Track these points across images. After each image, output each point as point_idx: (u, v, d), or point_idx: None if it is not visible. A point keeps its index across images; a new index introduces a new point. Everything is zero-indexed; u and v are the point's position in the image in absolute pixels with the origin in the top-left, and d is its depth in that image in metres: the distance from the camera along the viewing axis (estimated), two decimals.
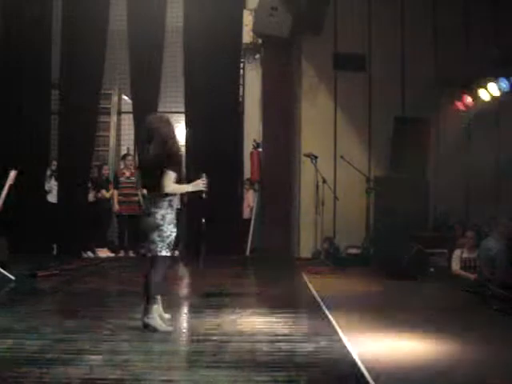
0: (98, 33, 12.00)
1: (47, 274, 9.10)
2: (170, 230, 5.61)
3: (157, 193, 5.57)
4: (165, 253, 5.60)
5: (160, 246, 5.58)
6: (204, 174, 5.82)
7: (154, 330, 5.49)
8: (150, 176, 5.67)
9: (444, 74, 11.19)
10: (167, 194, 5.57)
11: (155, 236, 5.58)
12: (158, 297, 5.66)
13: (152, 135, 5.67)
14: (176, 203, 5.91)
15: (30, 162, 11.23)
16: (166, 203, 5.59)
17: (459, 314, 6.75)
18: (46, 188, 12.05)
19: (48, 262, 10.00)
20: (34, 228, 11.31)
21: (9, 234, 9.42)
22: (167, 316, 5.85)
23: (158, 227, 5.56)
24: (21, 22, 11.69)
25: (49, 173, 12.06)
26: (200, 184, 5.77)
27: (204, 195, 5.91)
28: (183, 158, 6.08)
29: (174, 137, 5.75)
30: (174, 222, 5.68)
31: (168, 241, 5.60)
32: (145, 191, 6.00)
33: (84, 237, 11.57)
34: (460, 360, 4.88)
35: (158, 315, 5.60)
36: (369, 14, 11.69)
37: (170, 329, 5.62)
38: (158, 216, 5.57)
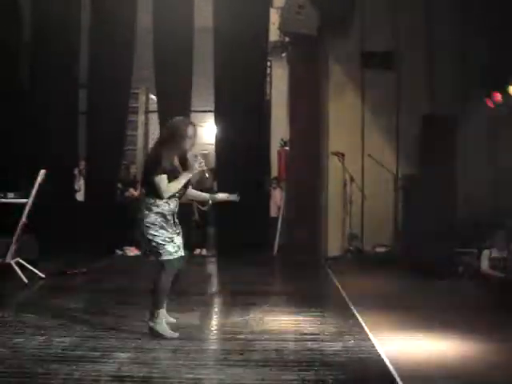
0: (126, 31, 12.04)
1: (76, 271, 9.20)
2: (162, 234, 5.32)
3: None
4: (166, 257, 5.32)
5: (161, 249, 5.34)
6: (198, 156, 5.57)
7: (159, 335, 5.30)
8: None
9: (473, 72, 11.06)
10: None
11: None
12: (164, 300, 5.44)
13: None
14: (167, 208, 5.34)
15: (59, 162, 11.32)
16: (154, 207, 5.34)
17: (488, 313, 6.66)
18: (76, 187, 12.20)
19: (77, 260, 10.09)
20: (63, 226, 11.40)
21: (38, 233, 9.52)
22: (172, 320, 5.65)
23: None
24: (49, 21, 11.78)
25: (76, 172, 12.20)
26: (196, 166, 5.39)
27: (207, 175, 6.01)
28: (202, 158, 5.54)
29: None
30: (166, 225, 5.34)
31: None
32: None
33: (113, 235, 11.63)
34: (489, 361, 4.81)
35: (164, 320, 5.42)
36: (396, 11, 11.58)
37: (175, 335, 5.34)
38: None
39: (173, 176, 5.30)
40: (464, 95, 11.28)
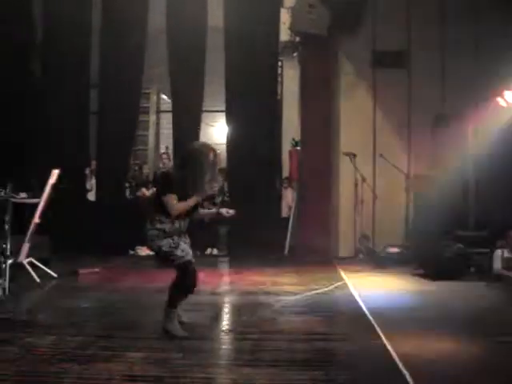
0: (137, 31, 12.09)
1: (88, 271, 9.24)
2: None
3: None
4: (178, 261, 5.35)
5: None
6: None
7: (171, 334, 5.30)
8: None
9: (485, 71, 11.01)
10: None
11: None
12: (179, 301, 5.47)
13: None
14: (170, 228, 5.39)
15: (71, 162, 11.35)
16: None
17: (501, 314, 6.64)
18: (88, 187, 12.25)
19: (89, 259, 10.13)
20: (76, 226, 11.44)
21: (50, 232, 9.56)
22: (184, 320, 5.65)
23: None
24: (60, 21, 11.82)
25: (88, 172, 12.25)
26: (207, 190, 5.39)
27: (215, 200, 5.80)
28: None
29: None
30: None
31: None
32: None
33: (125, 235, 11.64)
34: (502, 362, 4.79)
35: (177, 320, 5.43)
36: (408, 10, 11.55)
37: (187, 334, 5.32)
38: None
39: (183, 198, 5.31)
40: (476, 94, 11.23)
